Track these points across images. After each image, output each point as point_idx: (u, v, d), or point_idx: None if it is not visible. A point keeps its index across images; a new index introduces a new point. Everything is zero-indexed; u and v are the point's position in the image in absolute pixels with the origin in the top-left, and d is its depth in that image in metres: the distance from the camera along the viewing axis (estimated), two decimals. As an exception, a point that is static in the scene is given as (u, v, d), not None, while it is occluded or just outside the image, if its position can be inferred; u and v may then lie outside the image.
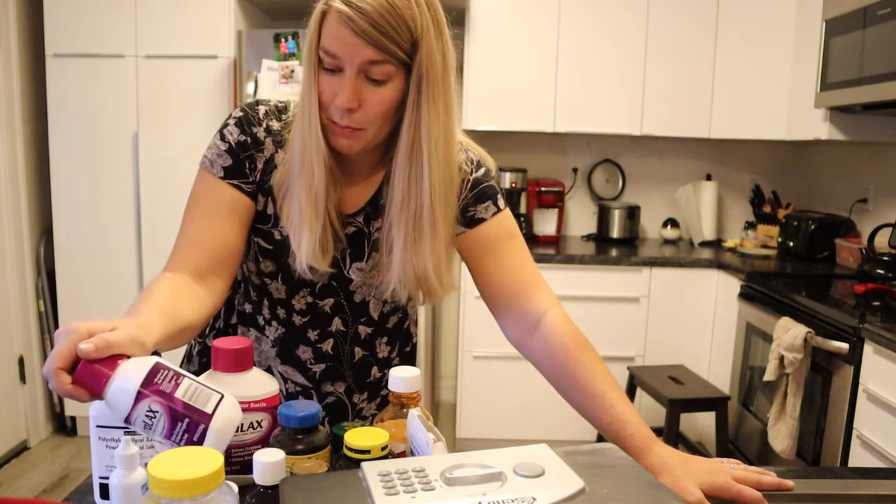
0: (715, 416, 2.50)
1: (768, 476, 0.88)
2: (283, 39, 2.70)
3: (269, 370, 1.09)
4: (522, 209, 3.32)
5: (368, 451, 0.72)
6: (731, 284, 2.80)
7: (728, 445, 2.57)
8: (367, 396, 1.14)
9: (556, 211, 3.36)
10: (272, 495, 0.67)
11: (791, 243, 3.00)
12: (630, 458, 0.71)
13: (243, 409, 0.79)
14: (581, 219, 3.55)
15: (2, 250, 2.85)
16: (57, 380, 0.66)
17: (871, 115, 2.54)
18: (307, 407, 0.78)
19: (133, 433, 0.73)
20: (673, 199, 3.48)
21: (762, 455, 2.47)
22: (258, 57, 2.70)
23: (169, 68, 2.86)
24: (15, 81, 2.89)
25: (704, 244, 3.32)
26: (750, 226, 3.37)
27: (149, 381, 0.66)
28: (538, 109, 3.10)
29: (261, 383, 0.82)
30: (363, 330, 1.10)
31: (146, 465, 0.57)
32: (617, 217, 3.32)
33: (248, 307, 1.10)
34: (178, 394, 0.66)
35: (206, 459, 0.57)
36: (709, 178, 3.44)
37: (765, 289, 2.52)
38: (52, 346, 3.22)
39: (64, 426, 3.16)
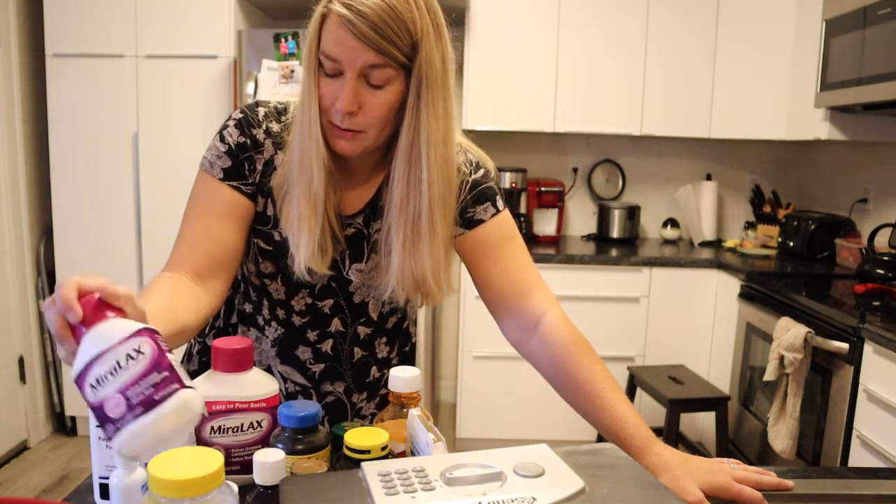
0: (715, 416, 2.50)
1: (768, 476, 0.88)
2: (283, 39, 2.70)
3: (268, 370, 1.09)
4: (522, 209, 3.32)
5: (368, 451, 0.72)
6: (731, 284, 2.80)
7: (728, 445, 2.57)
8: (367, 396, 1.14)
9: (556, 211, 3.36)
10: (272, 495, 0.68)
11: (791, 243, 3.00)
12: (630, 458, 0.71)
13: (244, 409, 0.79)
14: (581, 219, 3.55)
15: (2, 250, 2.85)
16: (66, 291, 0.63)
17: (871, 115, 2.54)
18: (307, 407, 0.78)
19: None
20: (673, 199, 3.48)
21: (762, 455, 2.47)
22: (258, 57, 2.70)
23: (169, 68, 2.86)
24: (15, 81, 2.89)
25: (704, 244, 3.32)
26: (750, 226, 3.37)
27: (150, 330, 0.64)
28: (538, 109, 3.10)
29: (261, 383, 0.82)
30: (362, 330, 1.10)
31: (146, 465, 0.57)
32: (617, 217, 3.32)
33: (248, 307, 1.10)
34: (168, 356, 0.63)
35: (206, 459, 0.58)
36: (709, 178, 3.44)
37: (765, 289, 2.52)
38: (52, 346, 3.22)
39: (64, 426, 3.16)
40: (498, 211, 1.06)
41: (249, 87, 2.68)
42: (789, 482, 0.88)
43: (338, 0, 0.85)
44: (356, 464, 0.69)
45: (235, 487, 0.65)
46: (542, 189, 3.32)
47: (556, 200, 3.33)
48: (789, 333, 2.18)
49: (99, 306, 0.64)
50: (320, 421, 0.79)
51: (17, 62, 2.89)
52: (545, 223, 3.37)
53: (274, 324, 1.08)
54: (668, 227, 3.41)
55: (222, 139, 0.99)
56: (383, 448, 0.73)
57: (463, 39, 3.03)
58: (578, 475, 0.64)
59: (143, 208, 2.94)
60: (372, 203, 1.03)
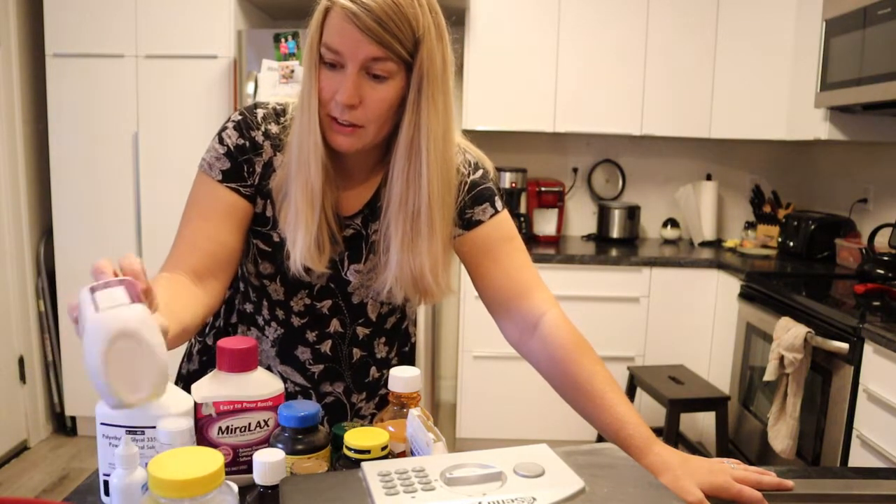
0: (715, 416, 2.50)
1: (768, 476, 0.88)
2: (283, 39, 2.70)
3: (268, 370, 1.09)
4: (522, 209, 3.32)
5: (368, 451, 0.72)
6: (731, 284, 2.80)
7: (728, 445, 2.57)
8: (366, 396, 1.14)
9: (556, 211, 3.36)
10: (272, 495, 0.68)
11: (791, 243, 3.00)
12: (630, 458, 0.71)
13: (251, 409, 0.80)
14: (581, 219, 3.55)
15: (2, 250, 2.86)
16: (103, 265, 0.67)
17: (871, 115, 2.54)
18: (307, 407, 0.78)
19: (133, 432, 0.73)
20: (673, 199, 3.48)
21: (762, 455, 2.47)
22: (258, 57, 2.70)
23: (169, 68, 2.86)
24: (15, 81, 2.89)
25: (704, 244, 3.32)
26: (750, 226, 3.37)
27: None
28: (538, 109, 3.10)
29: (266, 383, 0.83)
30: (361, 331, 1.10)
31: (146, 465, 0.57)
32: (617, 217, 3.32)
33: (248, 307, 1.10)
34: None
35: (206, 459, 0.58)
36: (709, 178, 3.44)
37: (765, 289, 2.52)
38: (52, 346, 3.22)
39: (64, 426, 3.16)
40: (497, 211, 1.06)
41: (249, 87, 2.68)
42: (789, 482, 0.88)
43: None
44: (356, 464, 0.69)
45: (235, 487, 0.65)
46: (542, 189, 3.32)
47: (556, 200, 3.33)
48: (789, 333, 2.18)
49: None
50: (320, 421, 0.79)
51: (17, 62, 2.89)
52: (545, 223, 3.37)
53: (273, 324, 1.08)
54: (668, 227, 3.41)
55: (221, 141, 0.99)
56: (383, 448, 0.73)
57: (463, 39, 3.03)
58: (578, 475, 0.64)
59: (143, 208, 2.94)
60: (370, 204, 1.03)
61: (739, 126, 3.07)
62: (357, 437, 0.73)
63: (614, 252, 2.99)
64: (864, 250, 2.56)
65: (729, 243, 3.29)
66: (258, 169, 0.99)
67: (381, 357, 1.14)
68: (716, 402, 2.48)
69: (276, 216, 1.00)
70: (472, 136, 1.11)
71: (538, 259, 2.87)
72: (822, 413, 2.12)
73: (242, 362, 0.81)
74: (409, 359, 1.20)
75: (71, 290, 2.98)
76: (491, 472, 0.64)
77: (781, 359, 2.21)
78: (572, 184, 3.51)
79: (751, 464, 1.19)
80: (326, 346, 1.09)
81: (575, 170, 3.51)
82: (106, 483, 0.77)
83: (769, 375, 2.25)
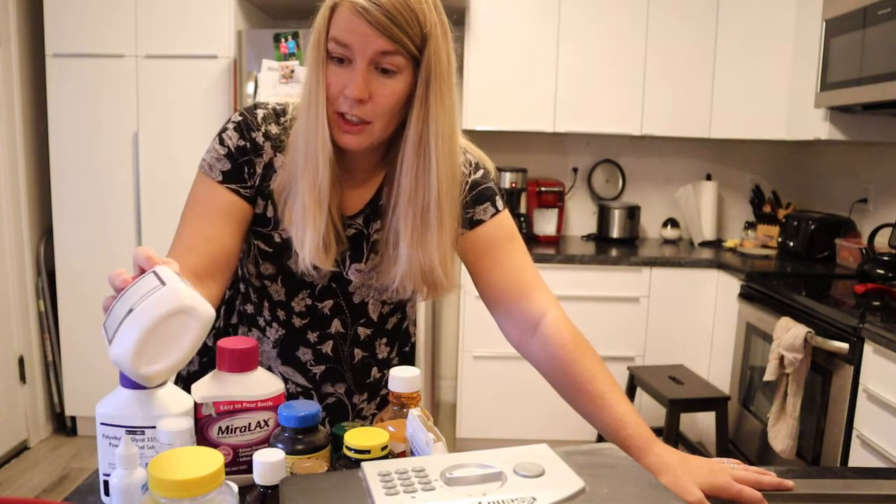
0: (715, 416, 2.50)
1: (768, 476, 0.88)
2: (283, 39, 2.70)
3: (269, 370, 1.09)
4: (522, 209, 3.32)
5: (368, 451, 0.72)
6: (731, 284, 2.80)
7: (728, 445, 2.57)
8: (367, 397, 1.14)
9: (556, 211, 3.36)
10: (272, 495, 0.68)
11: (791, 243, 3.00)
12: (630, 458, 0.71)
13: (251, 409, 0.80)
14: (581, 219, 3.55)
15: (2, 250, 2.85)
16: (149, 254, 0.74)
17: (871, 115, 2.54)
18: (307, 407, 0.78)
19: (133, 432, 0.73)
20: (673, 199, 3.48)
21: (762, 455, 2.47)
22: (258, 57, 2.70)
23: (169, 68, 2.86)
24: (15, 81, 2.89)
25: (704, 244, 3.32)
26: (750, 226, 3.37)
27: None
28: (538, 109, 3.10)
29: (267, 382, 0.83)
30: (363, 331, 1.10)
31: (146, 465, 0.57)
32: (617, 217, 3.32)
33: (248, 308, 1.10)
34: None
35: (206, 459, 0.58)
36: (709, 178, 3.44)
37: (765, 289, 2.52)
38: (52, 346, 3.22)
39: (64, 426, 3.16)
40: (498, 211, 1.06)
41: (249, 87, 2.68)
42: (789, 482, 0.88)
43: None
44: (356, 464, 0.69)
45: (235, 487, 0.65)
46: (542, 189, 3.32)
47: (556, 200, 3.33)
48: (789, 333, 2.18)
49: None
50: (320, 421, 0.79)
51: (17, 62, 2.89)
52: (545, 223, 3.37)
53: (275, 325, 1.08)
54: (668, 227, 3.41)
55: (221, 142, 0.99)
56: (383, 448, 0.73)
57: (463, 39, 3.03)
58: (578, 475, 0.64)
59: (143, 208, 2.94)
60: (372, 203, 1.03)
61: (739, 126, 3.07)
62: (357, 437, 0.73)
63: (614, 252, 2.99)
64: (864, 250, 2.56)
65: (729, 243, 3.29)
66: (259, 170, 0.99)
67: (382, 357, 1.14)
68: (716, 402, 2.48)
69: (278, 217, 0.99)
70: (472, 136, 1.11)
71: (538, 259, 2.87)
72: (822, 413, 2.12)
73: (242, 362, 0.81)
74: (409, 359, 1.20)
75: (71, 290, 2.99)
76: (491, 472, 0.64)
77: (781, 359, 2.21)
78: (572, 184, 3.51)
79: (751, 464, 1.19)
80: (328, 347, 1.09)
81: (575, 170, 3.51)
82: (106, 483, 0.77)
83: (769, 375, 2.25)
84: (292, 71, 2.62)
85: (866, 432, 1.93)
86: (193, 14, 2.82)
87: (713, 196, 3.35)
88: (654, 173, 3.51)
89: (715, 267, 2.91)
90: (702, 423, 2.96)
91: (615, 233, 3.33)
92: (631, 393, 2.72)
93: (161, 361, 0.69)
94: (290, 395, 1.10)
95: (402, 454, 0.78)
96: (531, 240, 3.31)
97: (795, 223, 2.99)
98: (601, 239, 3.37)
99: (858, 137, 2.60)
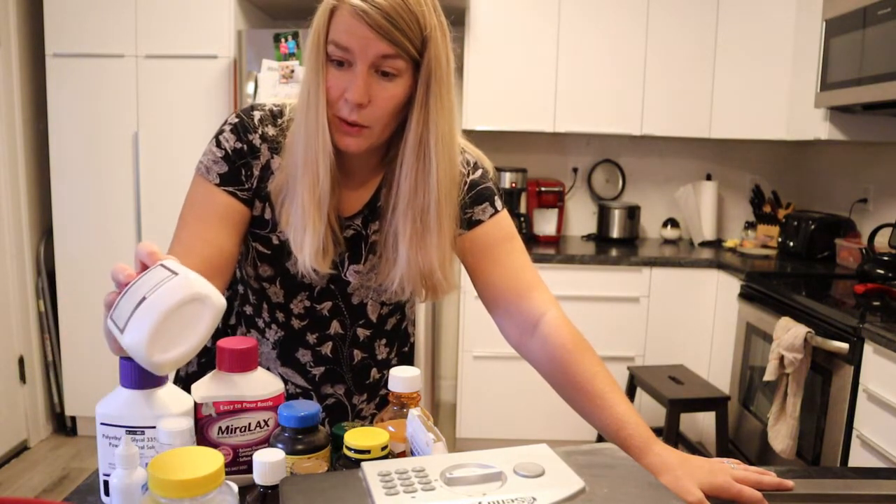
0: (715, 416, 2.50)
1: (768, 476, 0.88)
2: (283, 39, 2.70)
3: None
4: (522, 209, 3.32)
5: (368, 451, 0.72)
6: (731, 284, 2.80)
7: (728, 445, 2.57)
8: (367, 397, 1.14)
9: (556, 211, 3.36)
10: (272, 495, 0.68)
11: (791, 243, 3.00)
12: (630, 458, 0.71)
13: (251, 409, 0.80)
14: (581, 219, 3.55)
15: (2, 250, 2.85)
16: (153, 249, 0.73)
17: (871, 115, 2.54)
18: (307, 407, 0.78)
19: (133, 432, 0.73)
20: (673, 199, 3.48)
21: (762, 455, 2.47)
22: (258, 57, 2.70)
23: (169, 68, 2.86)
24: (15, 81, 2.89)
25: (704, 244, 3.32)
26: (750, 226, 3.37)
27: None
28: (538, 109, 3.10)
29: (267, 382, 0.83)
30: (362, 332, 1.10)
31: (146, 465, 0.57)
32: (617, 217, 3.32)
33: (247, 309, 1.10)
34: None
35: (206, 459, 0.58)
36: (709, 178, 3.44)
37: (765, 289, 2.52)
38: (52, 346, 3.21)
39: (64, 426, 3.16)
40: (496, 211, 1.06)
41: (249, 87, 2.68)
42: (789, 482, 0.88)
43: None
44: (356, 464, 0.69)
45: (235, 487, 0.65)
46: (542, 189, 3.32)
47: (556, 200, 3.33)
48: (789, 333, 2.18)
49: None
50: (320, 421, 0.79)
51: (17, 62, 2.89)
52: (545, 223, 3.37)
53: (274, 326, 1.08)
54: (668, 227, 3.41)
55: (218, 144, 0.98)
56: (383, 448, 0.73)
57: (463, 39, 3.03)
58: (578, 475, 0.64)
59: (143, 208, 2.94)
60: (370, 205, 1.03)
61: (739, 126, 3.07)
62: (357, 437, 0.73)
63: (614, 252, 2.99)
64: (864, 250, 2.56)
65: (729, 243, 3.29)
66: (256, 172, 0.99)
67: (381, 358, 1.13)
68: (716, 402, 2.48)
69: (276, 218, 0.99)
70: (472, 136, 1.11)
71: (538, 259, 2.87)
72: (822, 413, 2.12)
73: (242, 362, 0.81)
74: (408, 359, 1.20)
75: (71, 290, 2.99)
76: (491, 472, 0.64)
77: (781, 359, 2.21)
78: (572, 184, 3.51)
79: (751, 464, 1.19)
80: (327, 348, 1.09)
81: (575, 170, 3.51)
82: (106, 483, 0.77)
83: (769, 375, 2.25)
84: (292, 71, 2.62)
85: (866, 432, 1.93)
86: (193, 14, 2.82)
87: (713, 196, 3.35)
88: (654, 173, 3.51)
89: (715, 267, 2.91)
90: (702, 423, 2.96)
91: (615, 233, 3.33)
92: (631, 393, 2.72)
93: (174, 350, 0.69)
94: (289, 396, 1.09)
95: (402, 454, 0.78)
96: (531, 240, 3.31)
97: (795, 223, 2.99)
98: (601, 239, 3.37)
99: (858, 137, 2.60)
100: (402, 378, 0.82)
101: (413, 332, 1.21)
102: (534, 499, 0.60)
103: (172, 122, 2.89)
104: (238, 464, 0.81)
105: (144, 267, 0.72)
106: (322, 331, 1.07)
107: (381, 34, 0.85)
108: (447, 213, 0.96)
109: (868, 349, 1.93)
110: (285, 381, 1.09)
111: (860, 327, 1.95)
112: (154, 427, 0.72)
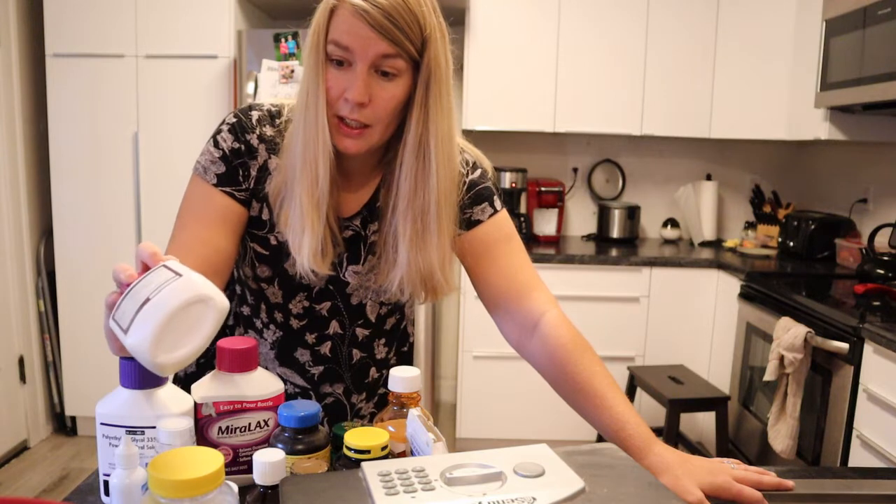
0: (715, 416, 2.50)
1: (768, 476, 0.88)
2: (283, 39, 2.70)
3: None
4: (522, 209, 3.32)
5: (368, 451, 0.72)
6: (731, 284, 2.80)
7: (728, 445, 2.57)
8: (366, 397, 1.14)
9: (556, 211, 3.36)
10: (272, 495, 0.68)
11: (791, 243, 3.00)
12: (630, 458, 0.71)
13: (251, 409, 0.80)
14: (581, 219, 3.55)
15: (2, 250, 2.85)
16: (154, 249, 0.73)
17: (871, 115, 2.54)
18: (307, 407, 0.78)
19: (133, 432, 0.73)
20: (673, 199, 3.48)
21: (762, 455, 2.47)
22: (258, 57, 2.70)
23: (169, 68, 2.86)
24: (15, 81, 2.89)
25: (704, 244, 3.32)
26: (750, 226, 3.37)
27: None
28: (538, 109, 3.10)
29: (267, 382, 0.83)
30: (361, 332, 1.10)
31: (146, 465, 0.57)
32: (617, 217, 3.32)
33: (245, 310, 1.10)
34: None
35: (206, 459, 0.58)
36: (709, 178, 3.44)
37: (765, 289, 2.52)
38: (52, 346, 3.21)
39: (64, 426, 3.16)
40: (496, 211, 1.06)
41: (249, 87, 2.68)
42: (789, 482, 0.88)
43: None
44: (356, 464, 0.69)
45: (235, 487, 0.65)
46: (542, 189, 3.32)
47: (556, 200, 3.33)
48: (789, 333, 2.18)
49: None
50: (320, 421, 0.79)
51: (17, 62, 2.89)
52: (545, 223, 3.37)
53: (272, 326, 1.08)
54: (668, 227, 3.41)
55: (216, 144, 0.98)
56: (383, 448, 0.73)
57: (463, 39, 3.03)
58: (578, 475, 0.64)
59: (143, 208, 2.94)
60: (369, 205, 1.03)
61: (739, 126, 3.07)
62: (357, 437, 0.73)
63: (614, 252, 2.99)
64: (864, 250, 2.56)
65: (729, 243, 3.29)
66: (253, 172, 0.99)
67: (380, 358, 1.13)
68: (716, 402, 2.48)
69: (274, 219, 0.99)
70: (472, 136, 1.11)
71: (538, 259, 2.87)
72: (822, 413, 2.12)
73: (242, 362, 0.81)
74: (407, 358, 1.20)
75: (71, 290, 2.99)
76: (491, 472, 0.64)
77: (781, 359, 2.21)
78: (572, 184, 3.51)
79: (751, 464, 1.19)
80: (326, 348, 1.08)
81: (575, 170, 3.51)
82: (106, 483, 0.77)
83: (769, 375, 2.25)
84: (292, 71, 2.62)
85: (866, 432, 1.93)
86: (193, 14, 2.82)
87: (713, 196, 3.35)
88: (653, 173, 3.51)
89: (715, 267, 2.91)
90: (702, 423, 2.96)
91: (615, 233, 3.33)
92: (631, 393, 2.72)
93: (178, 351, 0.69)
94: (288, 396, 1.09)
95: (402, 454, 0.78)
96: (531, 240, 3.31)
97: (795, 223, 2.99)
98: (601, 239, 3.37)
99: (858, 137, 2.60)
100: (402, 378, 0.82)
101: (412, 331, 1.21)
102: (534, 499, 0.60)
103: (172, 122, 2.89)
104: (238, 464, 0.81)
105: (146, 267, 0.72)
106: (321, 331, 1.07)
107: (381, 34, 0.85)
108: (447, 214, 0.96)
109: (868, 349, 1.93)
110: (284, 381, 1.09)
111: (860, 327, 1.95)
112: (154, 427, 0.72)
